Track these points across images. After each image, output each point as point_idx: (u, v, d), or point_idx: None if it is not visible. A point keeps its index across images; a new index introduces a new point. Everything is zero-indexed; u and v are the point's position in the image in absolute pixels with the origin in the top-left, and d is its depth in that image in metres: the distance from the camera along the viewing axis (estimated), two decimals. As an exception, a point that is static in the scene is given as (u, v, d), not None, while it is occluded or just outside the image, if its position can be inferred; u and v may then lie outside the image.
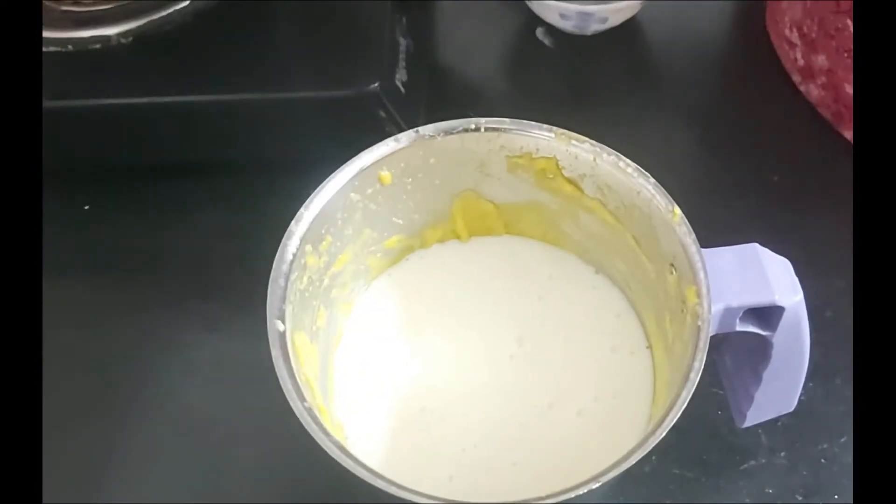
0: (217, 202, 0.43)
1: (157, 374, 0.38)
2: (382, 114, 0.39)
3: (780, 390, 0.31)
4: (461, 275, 0.34)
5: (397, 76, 0.40)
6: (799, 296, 0.27)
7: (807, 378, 0.31)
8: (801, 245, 0.29)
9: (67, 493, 0.34)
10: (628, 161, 0.29)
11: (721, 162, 0.44)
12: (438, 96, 0.45)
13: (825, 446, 0.35)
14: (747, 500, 0.34)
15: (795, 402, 0.32)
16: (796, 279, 0.28)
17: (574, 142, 0.30)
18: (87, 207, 0.43)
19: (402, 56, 0.41)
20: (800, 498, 0.34)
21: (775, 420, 0.33)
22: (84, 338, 0.39)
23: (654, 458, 0.35)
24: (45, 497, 0.24)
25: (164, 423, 0.37)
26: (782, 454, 0.35)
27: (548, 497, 0.24)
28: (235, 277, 0.36)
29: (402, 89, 0.40)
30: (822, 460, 0.35)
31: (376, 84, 0.38)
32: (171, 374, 0.38)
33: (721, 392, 0.34)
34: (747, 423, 0.32)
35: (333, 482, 0.32)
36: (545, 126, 0.30)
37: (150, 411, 0.37)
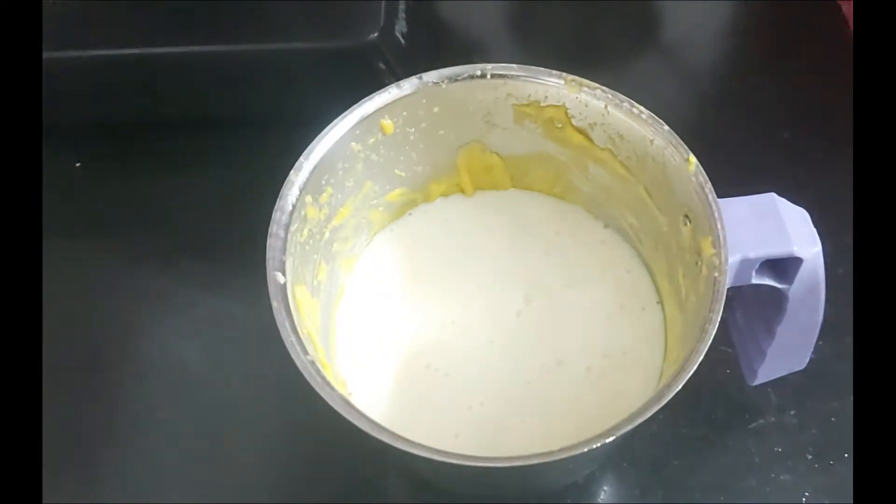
0: (210, 160, 0.42)
1: (152, 335, 0.37)
2: (382, 66, 0.38)
3: (793, 346, 0.30)
4: (466, 230, 0.33)
5: (397, 27, 0.39)
6: (817, 247, 0.26)
7: (816, 337, 0.30)
8: (811, 201, 0.28)
9: (62, 452, 0.34)
10: (642, 108, 0.28)
11: (730, 118, 0.43)
12: (440, 49, 0.44)
13: (835, 405, 0.35)
14: (756, 459, 0.33)
15: (808, 359, 0.31)
16: (814, 230, 0.27)
17: (585, 88, 0.29)
18: (77, 165, 0.42)
19: (402, 7, 0.40)
20: (809, 457, 0.34)
21: (784, 379, 0.32)
22: (77, 299, 0.38)
23: (661, 417, 0.34)
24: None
25: (160, 383, 0.36)
26: (792, 413, 0.34)
27: (559, 452, 0.23)
28: (231, 236, 0.35)
29: (403, 41, 0.39)
30: (832, 419, 0.34)
31: (375, 34, 0.37)
32: (167, 335, 0.37)
33: (730, 350, 0.34)
34: (758, 381, 0.32)
35: (333, 441, 0.32)
36: (554, 72, 0.29)
37: (146, 372, 0.36)
